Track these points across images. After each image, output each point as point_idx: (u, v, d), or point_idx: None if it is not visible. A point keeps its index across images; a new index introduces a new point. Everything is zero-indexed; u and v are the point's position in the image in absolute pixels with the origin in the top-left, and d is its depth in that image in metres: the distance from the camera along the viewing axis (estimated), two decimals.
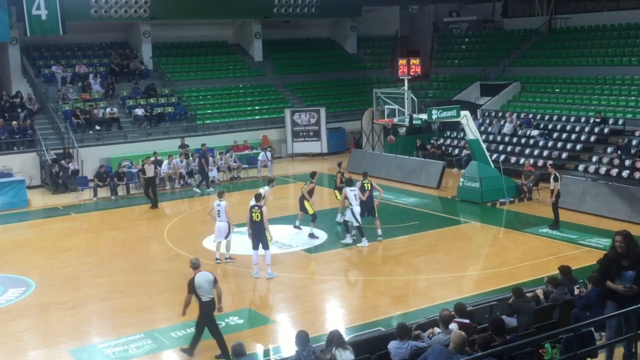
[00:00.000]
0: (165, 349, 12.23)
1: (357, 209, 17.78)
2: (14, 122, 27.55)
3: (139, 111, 30.33)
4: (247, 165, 28.84)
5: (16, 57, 30.38)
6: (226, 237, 16.75)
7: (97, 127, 29.11)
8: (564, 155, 25.63)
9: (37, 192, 26.19)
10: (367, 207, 18.22)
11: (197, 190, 25.69)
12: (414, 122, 23.09)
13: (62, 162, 26.53)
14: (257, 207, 15.62)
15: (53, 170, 26.00)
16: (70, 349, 12.30)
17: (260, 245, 15.64)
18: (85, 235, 20.73)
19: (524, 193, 22.54)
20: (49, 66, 31.50)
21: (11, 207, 23.40)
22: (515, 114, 29.22)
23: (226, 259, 16.93)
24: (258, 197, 16.03)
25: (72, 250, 18.73)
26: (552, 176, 18.86)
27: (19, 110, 28.72)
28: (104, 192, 25.20)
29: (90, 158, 27.37)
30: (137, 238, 19.88)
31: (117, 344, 12.33)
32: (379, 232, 18.38)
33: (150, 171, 23.59)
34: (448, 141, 30.42)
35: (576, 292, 10.92)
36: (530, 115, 28.94)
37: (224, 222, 16.56)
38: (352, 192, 17.86)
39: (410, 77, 23.65)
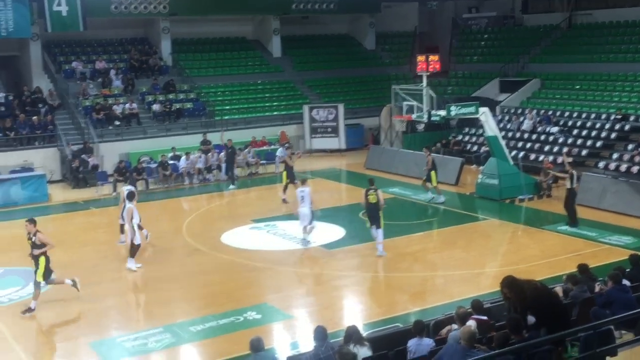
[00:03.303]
0: (184, 343, 12.30)
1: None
2: (35, 117, 27.82)
3: (158, 107, 30.51)
4: (265, 161, 28.89)
5: (37, 53, 30.66)
6: (310, 223, 17.32)
7: (117, 123, 29.32)
8: (584, 152, 25.41)
9: (58, 186, 26.43)
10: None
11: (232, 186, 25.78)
12: (432, 118, 23.06)
13: (83, 156, 26.74)
14: (372, 190, 16.47)
15: (73, 165, 26.22)
16: (90, 342, 12.41)
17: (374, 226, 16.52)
18: (104, 229, 20.86)
19: (543, 190, 22.40)
20: (69, 62, 31.77)
21: (32, 202, 23.63)
22: (534, 111, 29.04)
23: (307, 241, 17.57)
24: (372, 181, 16.94)
25: (91, 245, 18.90)
26: (570, 175, 18.63)
27: (40, 105, 29.00)
28: None
29: (109, 153, 27.58)
30: (156, 233, 19.93)
31: (136, 337, 12.42)
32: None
33: None
34: (467, 138, 30.30)
35: (597, 289, 10.85)
36: (550, 112, 28.73)
37: (307, 208, 17.09)
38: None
39: (428, 74, 23.61)
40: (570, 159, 20.29)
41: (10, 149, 26.85)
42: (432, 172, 21.79)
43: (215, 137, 29.10)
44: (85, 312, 13.93)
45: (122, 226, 17.97)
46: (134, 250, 16.19)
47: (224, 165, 27.10)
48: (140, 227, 16.78)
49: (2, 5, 27.10)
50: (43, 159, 27.02)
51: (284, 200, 22.66)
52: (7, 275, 16.18)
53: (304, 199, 17.14)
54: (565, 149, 24.04)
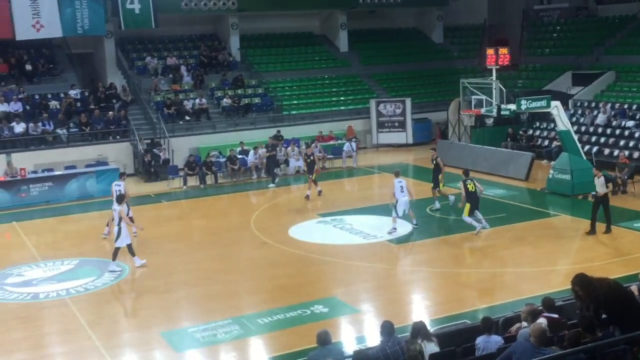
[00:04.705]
0: (252, 335, 12.47)
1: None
2: (110, 113, 28.62)
3: (227, 102, 30.96)
4: (332, 156, 28.95)
5: (111, 50, 31.57)
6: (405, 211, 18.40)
7: (187, 118, 29.89)
8: None
9: (130, 180, 26.96)
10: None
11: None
12: (502, 112, 22.68)
13: (155, 150, 27.36)
14: (469, 180, 17.97)
15: (145, 159, 26.86)
16: (162, 332, 12.72)
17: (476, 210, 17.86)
18: (175, 222, 21.38)
19: (618, 186, 21.71)
20: (142, 58, 32.56)
21: (106, 195, 24.12)
22: (609, 104, 28.18)
23: (415, 224, 18.66)
24: (467, 172, 18.46)
25: (163, 237, 19.31)
26: (600, 179, 17.43)
27: (114, 101, 29.83)
28: (193, 181, 25.86)
29: (180, 148, 28.14)
30: (225, 226, 20.32)
31: (206, 328, 12.65)
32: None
33: None
34: (537, 132, 29.66)
35: None
36: (626, 106, 27.84)
37: (407, 197, 18.13)
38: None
39: (498, 67, 23.30)
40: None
41: (86, 143, 27.70)
42: (440, 176, 20.34)
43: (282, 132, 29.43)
44: (157, 302, 14.29)
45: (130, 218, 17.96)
46: (115, 253, 16.17)
47: (291, 161, 27.31)
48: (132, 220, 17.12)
49: (78, 4, 27.96)
50: (117, 153, 27.75)
51: (319, 193, 22.97)
52: (84, 266, 16.72)
53: (404, 189, 18.14)
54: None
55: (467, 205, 17.77)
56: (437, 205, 20.40)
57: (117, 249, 16.14)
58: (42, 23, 27.37)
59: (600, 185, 17.41)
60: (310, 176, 22.85)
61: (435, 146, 22.06)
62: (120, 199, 16.86)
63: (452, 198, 20.50)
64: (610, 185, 17.53)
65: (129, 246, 16.31)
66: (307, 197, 22.79)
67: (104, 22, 29.20)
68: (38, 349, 12.40)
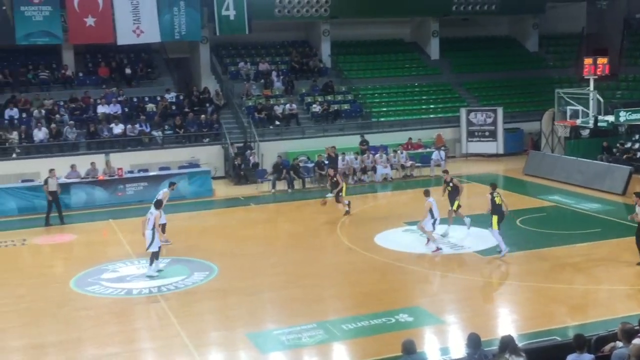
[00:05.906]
0: (336, 341, 12.48)
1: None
2: (203, 116, 29.38)
3: (316, 108, 31.23)
4: (420, 164, 28.73)
5: (206, 55, 32.42)
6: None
7: (277, 123, 30.32)
8: None
9: (221, 182, 27.72)
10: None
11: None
12: (599, 124, 21.94)
13: (247, 152, 27.87)
14: (497, 194, 17.02)
15: (236, 163, 27.41)
16: (248, 333, 12.92)
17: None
18: (263, 225, 21.70)
19: None
20: (235, 63, 33.28)
21: (198, 196, 24.96)
22: None
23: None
24: (494, 186, 17.38)
25: (250, 239, 19.66)
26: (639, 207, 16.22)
27: (207, 105, 30.59)
28: (281, 185, 26.19)
29: (269, 152, 28.54)
30: (311, 231, 20.48)
31: (290, 331, 12.76)
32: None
33: (53, 185, 21.85)
34: (637, 145, 28.49)
35: None
36: None
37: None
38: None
39: (596, 77, 22.56)
40: None
41: (180, 145, 28.52)
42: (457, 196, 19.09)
43: (370, 139, 29.42)
44: (243, 303, 14.54)
45: (163, 226, 17.89)
46: (156, 255, 16.19)
47: (378, 167, 27.28)
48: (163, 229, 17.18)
49: (176, 10, 28.89)
50: (208, 156, 28.41)
51: (347, 212, 21.88)
52: (174, 264, 17.18)
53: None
54: None
55: (495, 218, 16.78)
56: (468, 221, 18.96)
57: (153, 254, 16.17)
58: (142, 29, 28.38)
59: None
60: (332, 194, 21.84)
61: (447, 168, 20.91)
62: (158, 204, 16.80)
63: (467, 220, 19.01)
64: None
65: (155, 253, 16.21)
66: (347, 212, 21.81)
67: (200, 28, 30.03)
68: (130, 344, 12.83)
